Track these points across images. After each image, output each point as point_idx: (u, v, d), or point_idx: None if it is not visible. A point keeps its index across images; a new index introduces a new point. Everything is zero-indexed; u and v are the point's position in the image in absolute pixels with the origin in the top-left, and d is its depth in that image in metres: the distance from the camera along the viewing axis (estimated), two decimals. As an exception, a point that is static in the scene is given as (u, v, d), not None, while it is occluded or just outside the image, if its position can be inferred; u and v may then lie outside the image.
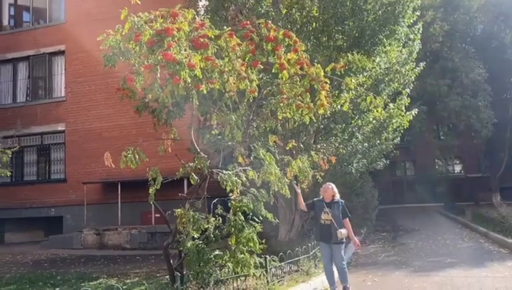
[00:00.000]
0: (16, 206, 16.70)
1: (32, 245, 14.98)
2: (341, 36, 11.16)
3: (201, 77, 4.68)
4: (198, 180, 5.44)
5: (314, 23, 11.16)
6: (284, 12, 11.03)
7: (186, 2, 11.64)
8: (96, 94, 16.25)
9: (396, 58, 11.91)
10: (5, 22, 18.62)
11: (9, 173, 9.06)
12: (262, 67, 5.52)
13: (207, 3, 12.59)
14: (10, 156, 9.34)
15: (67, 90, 16.93)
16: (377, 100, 6.63)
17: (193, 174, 5.34)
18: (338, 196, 6.65)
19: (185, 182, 10.73)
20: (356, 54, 6.62)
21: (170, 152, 6.08)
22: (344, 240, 6.54)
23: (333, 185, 6.70)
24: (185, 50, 4.62)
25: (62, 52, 17.20)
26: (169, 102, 5.57)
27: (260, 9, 10.72)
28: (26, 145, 17.31)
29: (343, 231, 6.36)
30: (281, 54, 5.39)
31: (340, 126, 11.64)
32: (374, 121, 11.94)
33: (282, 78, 5.52)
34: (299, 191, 6.94)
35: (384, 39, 11.22)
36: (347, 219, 6.58)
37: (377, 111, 9.69)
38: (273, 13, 10.99)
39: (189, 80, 4.61)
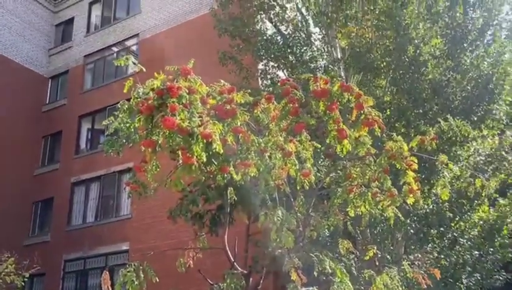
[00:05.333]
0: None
1: None
2: (422, 121, 9.47)
3: (221, 151, 3.22)
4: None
5: (388, 110, 9.68)
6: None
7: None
8: (160, 209, 15.41)
9: (498, 142, 9.72)
10: (83, 146, 19.43)
11: None
12: (306, 135, 3.93)
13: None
14: (26, 279, 8.27)
15: (133, 207, 16.39)
16: (491, 183, 4.60)
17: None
18: None
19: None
20: (453, 120, 4.83)
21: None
22: None
23: None
24: (200, 117, 3.28)
25: (130, 170, 17.12)
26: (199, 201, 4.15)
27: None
28: (90, 268, 16.49)
29: None
30: (338, 116, 3.80)
31: (436, 230, 9.27)
32: (481, 223, 9.46)
33: (342, 151, 3.83)
34: None
35: (478, 121, 9.34)
36: None
37: (481, 210, 7.60)
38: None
39: (204, 159, 3.16)
